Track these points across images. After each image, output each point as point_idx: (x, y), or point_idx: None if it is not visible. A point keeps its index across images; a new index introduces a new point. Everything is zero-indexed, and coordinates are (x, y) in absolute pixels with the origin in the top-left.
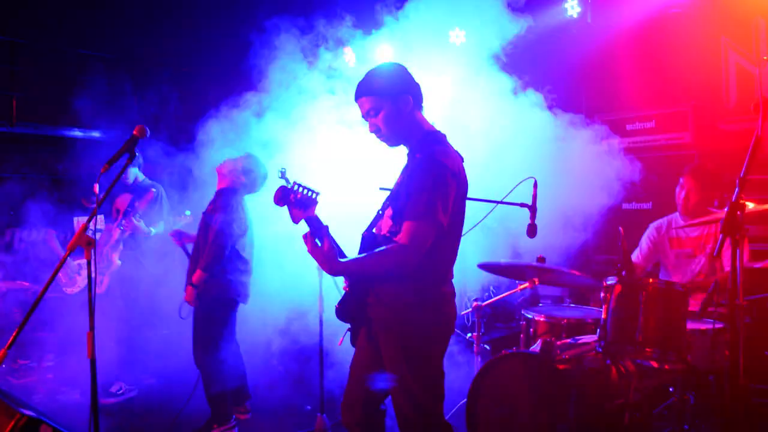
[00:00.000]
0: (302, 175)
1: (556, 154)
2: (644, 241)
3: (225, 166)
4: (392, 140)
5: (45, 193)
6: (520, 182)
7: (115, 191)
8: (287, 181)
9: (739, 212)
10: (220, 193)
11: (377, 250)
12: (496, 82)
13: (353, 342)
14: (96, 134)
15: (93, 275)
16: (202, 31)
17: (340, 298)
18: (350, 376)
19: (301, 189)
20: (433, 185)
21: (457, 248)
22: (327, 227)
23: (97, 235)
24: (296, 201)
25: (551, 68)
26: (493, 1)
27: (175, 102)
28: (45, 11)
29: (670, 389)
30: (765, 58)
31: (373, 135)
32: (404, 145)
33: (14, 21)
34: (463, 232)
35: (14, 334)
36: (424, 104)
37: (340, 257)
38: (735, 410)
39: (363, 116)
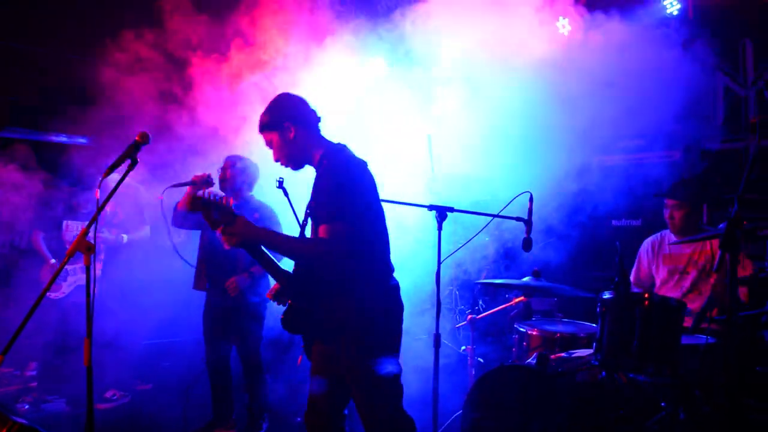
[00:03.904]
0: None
1: (547, 169)
2: (641, 259)
3: (239, 166)
4: (293, 164)
5: (33, 197)
6: (516, 197)
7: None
8: (285, 190)
9: (737, 229)
10: (250, 198)
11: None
12: (489, 97)
13: (308, 354)
14: (82, 140)
15: (92, 281)
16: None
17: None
18: (311, 384)
19: (213, 197)
20: (341, 188)
21: (387, 242)
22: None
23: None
24: (213, 210)
25: None
26: (486, 21)
27: (167, 108)
28: (34, 16)
29: (662, 404)
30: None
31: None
32: (309, 164)
33: (2, 26)
34: (460, 246)
35: (11, 339)
36: (321, 122)
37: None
38: (725, 425)
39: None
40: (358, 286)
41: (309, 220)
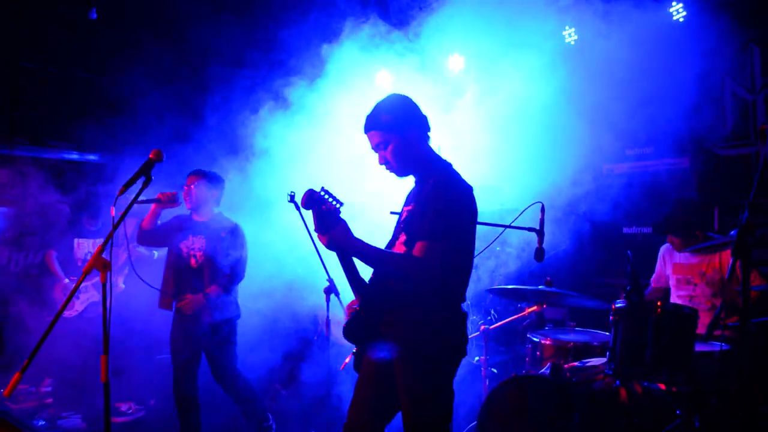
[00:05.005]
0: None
1: (557, 177)
2: (659, 262)
3: (202, 182)
4: (401, 171)
5: (44, 215)
6: (528, 207)
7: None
8: (296, 205)
9: (749, 236)
10: (217, 216)
11: (396, 251)
12: (496, 108)
13: (356, 367)
14: (93, 157)
15: (108, 298)
16: (206, 55)
17: (347, 318)
18: (354, 399)
19: (327, 197)
20: (449, 209)
21: (470, 272)
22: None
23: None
24: (323, 208)
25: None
26: (493, 30)
27: (175, 126)
28: (46, 34)
29: (677, 411)
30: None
31: (383, 167)
32: (413, 174)
33: (15, 43)
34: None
35: (28, 359)
36: (430, 134)
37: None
38: None
39: (372, 149)
40: (433, 309)
41: (399, 233)
